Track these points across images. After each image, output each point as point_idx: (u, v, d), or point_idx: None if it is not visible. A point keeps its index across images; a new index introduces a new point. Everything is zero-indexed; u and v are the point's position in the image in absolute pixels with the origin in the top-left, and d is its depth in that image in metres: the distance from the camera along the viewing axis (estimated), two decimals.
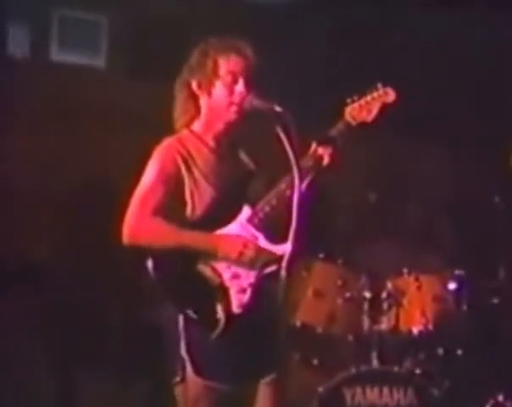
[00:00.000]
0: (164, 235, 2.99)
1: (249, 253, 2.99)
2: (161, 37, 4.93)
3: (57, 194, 4.80)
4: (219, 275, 3.00)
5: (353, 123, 3.14)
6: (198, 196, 3.04)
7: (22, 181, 4.76)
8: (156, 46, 4.97)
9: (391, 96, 3.15)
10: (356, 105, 3.14)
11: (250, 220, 3.05)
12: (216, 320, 2.95)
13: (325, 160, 3.09)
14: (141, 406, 4.75)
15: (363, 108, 3.14)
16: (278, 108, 2.92)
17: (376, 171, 5.06)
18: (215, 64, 3.07)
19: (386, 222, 4.92)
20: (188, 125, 3.15)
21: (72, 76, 4.96)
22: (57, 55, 5.10)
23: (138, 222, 2.99)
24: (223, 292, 2.99)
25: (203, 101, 3.13)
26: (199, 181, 3.05)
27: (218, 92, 3.09)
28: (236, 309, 2.98)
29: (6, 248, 4.62)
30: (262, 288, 3.03)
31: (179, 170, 3.05)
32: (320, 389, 4.25)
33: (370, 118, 3.15)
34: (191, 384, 2.97)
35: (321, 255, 4.51)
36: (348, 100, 3.17)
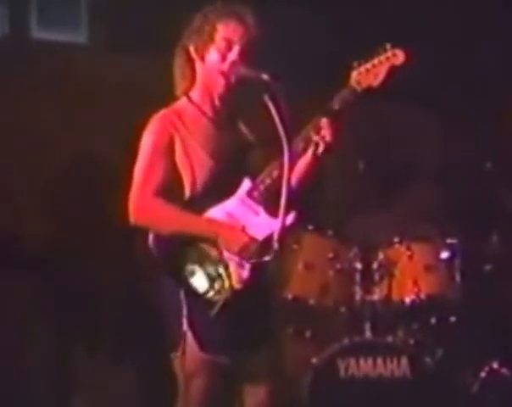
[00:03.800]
0: (167, 218, 2.95)
1: (251, 248, 2.92)
2: (143, 7, 4.87)
3: (46, 172, 4.77)
4: (220, 251, 2.96)
5: (359, 89, 2.99)
6: (198, 167, 2.98)
7: (10, 160, 4.72)
8: (138, 17, 4.91)
9: (400, 57, 2.99)
10: (362, 69, 2.99)
11: (250, 193, 2.98)
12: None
13: (328, 137, 2.97)
14: (141, 381, 4.76)
15: (369, 72, 2.99)
16: (265, 77, 2.84)
17: (365, 140, 5.02)
18: (213, 28, 2.99)
19: (376, 192, 4.91)
20: (187, 91, 3.09)
21: (54, 53, 4.91)
22: (37, 33, 5.04)
23: (141, 203, 2.95)
24: (223, 267, 2.95)
25: (198, 66, 3.06)
26: (197, 151, 2.99)
27: (211, 58, 3.01)
28: (236, 284, 2.93)
29: (2, 229, 4.61)
30: (259, 263, 2.97)
31: (173, 141, 2.99)
32: (314, 361, 4.25)
33: (376, 82, 2.99)
34: (190, 358, 2.94)
35: (311, 227, 4.49)
36: (355, 64, 3.01)
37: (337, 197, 5.16)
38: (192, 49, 3.04)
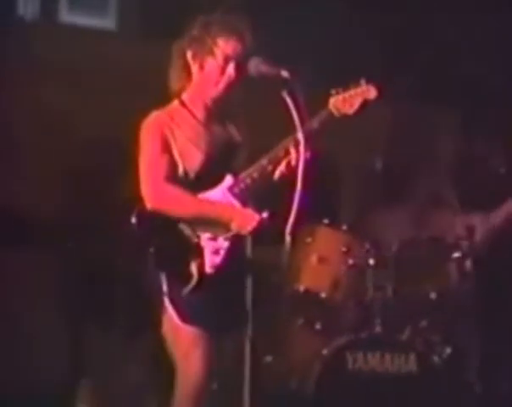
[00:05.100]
0: (184, 202, 3.17)
1: (261, 227, 3.12)
2: None
3: (68, 154, 4.85)
4: (198, 236, 3.17)
5: (337, 114, 3.21)
6: (188, 160, 3.20)
7: (34, 142, 4.80)
8: (167, 3, 4.96)
9: (372, 93, 3.20)
10: (340, 97, 3.21)
11: (231, 189, 3.21)
12: (190, 277, 3.13)
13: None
14: (155, 356, 4.83)
15: (346, 102, 3.20)
16: (285, 74, 3.00)
17: (382, 138, 5.06)
18: (214, 42, 3.20)
19: (392, 189, 4.94)
20: (179, 93, 3.30)
21: (82, 37, 4.98)
22: (66, 16, 5.12)
23: (155, 188, 3.16)
24: (199, 251, 3.16)
25: (195, 72, 3.26)
26: (189, 146, 3.21)
27: (209, 69, 3.23)
28: (208, 269, 3.15)
29: (17, 206, 4.69)
30: (238, 249, 3.17)
31: (167, 139, 3.20)
32: (324, 352, 4.30)
33: (351, 111, 3.21)
34: (172, 329, 3.19)
35: (326, 221, 4.54)
36: (333, 91, 3.22)
37: (353, 193, 5.20)
38: (189, 55, 3.25)
